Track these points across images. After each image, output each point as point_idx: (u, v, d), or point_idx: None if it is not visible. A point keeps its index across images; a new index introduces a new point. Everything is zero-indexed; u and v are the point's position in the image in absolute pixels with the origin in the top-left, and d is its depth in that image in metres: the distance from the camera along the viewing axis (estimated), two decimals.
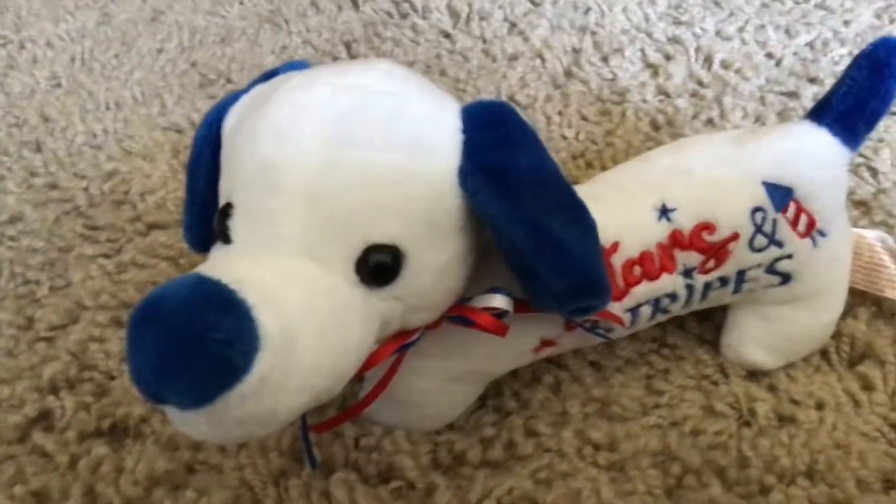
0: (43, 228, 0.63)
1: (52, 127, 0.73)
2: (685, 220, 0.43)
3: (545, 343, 0.45)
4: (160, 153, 0.70)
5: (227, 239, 0.35)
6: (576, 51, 0.80)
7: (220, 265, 0.32)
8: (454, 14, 0.87)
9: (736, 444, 0.47)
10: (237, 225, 0.34)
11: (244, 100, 0.39)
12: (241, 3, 0.90)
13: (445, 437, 0.48)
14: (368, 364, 0.37)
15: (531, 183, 0.35)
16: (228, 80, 0.79)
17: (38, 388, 0.52)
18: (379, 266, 0.34)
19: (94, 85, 0.79)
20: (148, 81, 0.79)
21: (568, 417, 0.49)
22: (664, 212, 0.44)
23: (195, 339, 0.28)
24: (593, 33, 0.82)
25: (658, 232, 0.43)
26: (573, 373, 0.51)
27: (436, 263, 0.36)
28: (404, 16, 0.87)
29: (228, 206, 0.35)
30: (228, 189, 0.36)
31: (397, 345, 0.39)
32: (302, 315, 0.31)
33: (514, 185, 0.35)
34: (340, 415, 0.44)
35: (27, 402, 0.51)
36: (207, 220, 0.39)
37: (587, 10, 0.85)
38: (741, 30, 0.81)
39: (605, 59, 0.78)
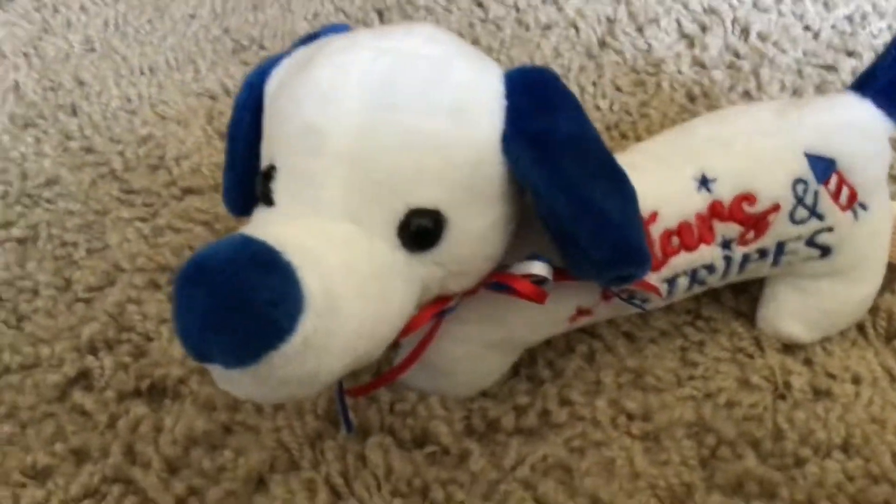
0: (79, 191, 0.64)
1: (87, 91, 0.74)
2: (725, 191, 0.43)
3: (581, 312, 0.45)
4: (194, 118, 0.70)
5: (269, 201, 0.35)
6: (610, 20, 0.79)
7: (264, 227, 0.33)
8: None
9: (771, 417, 0.47)
10: (280, 187, 0.35)
11: (286, 63, 0.39)
12: None
13: (479, 404, 0.48)
14: (407, 329, 0.37)
15: (572, 149, 0.35)
16: (261, 47, 0.79)
17: (77, 349, 0.52)
18: (420, 230, 0.34)
19: (127, 50, 0.79)
20: (181, 47, 0.79)
21: (602, 387, 0.49)
22: (704, 182, 0.43)
23: (241, 299, 0.29)
24: (628, 3, 0.81)
25: (697, 202, 0.43)
26: (607, 343, 0.51)
27: (477, 229, 0.36)
28: None
29: (271, 168, 0.35)
30: (271, 151, 0.36)
31: (435, 310, 0.39)
32: (344, 277, 0.31)
33: (555, 151, 0.35)
34: (376, 379, 0.45)
35: (66, 362, 0.51)
36: (246, 184, 0.40)
37: None
38: (778, 1, 0.80)
39: (640, 30, 0.77)
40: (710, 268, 0.45)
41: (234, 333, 0.29)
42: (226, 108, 0.71)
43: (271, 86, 0.38)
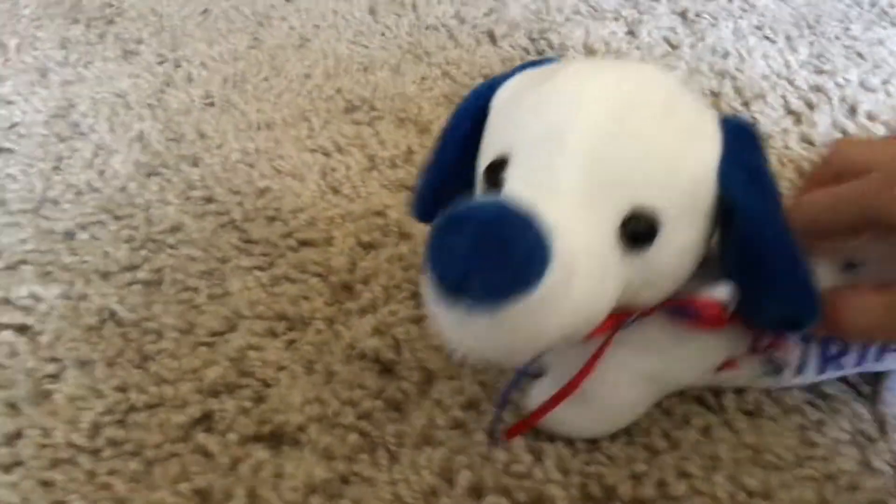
0: (201, 239, 0.66)
1: (208, 143, 0.77)
2: (868, 278, 0.43)
3: (728, 363, 0.46)
4: (309, 173, 0.73)
5: (497, 187, 0.38)
6: (715, 94, 0.80)
7: None
8: (590, 51, 0.88)
9: None
10: (513, 174, 0.38)
11: (517, 77, 0.43)
12: (382, 35, 0.93)
13: (595, 469, 0.48)
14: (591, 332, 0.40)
15: (775, 189, 0.39)
16: (372, 107, 0.81)
17: (200, 391, 0.54)
18: (637, 230, 0.37)
19: (245, 105, 0.82)
20: (296, 104, 0.82)
21: (719, 462, 0.48)
22: (849, 266, 0.44)
23: (505, 242, 0.32)
24: (733, 78, 0.82)
25: (839, 283, 0.43)
26: (724, 417, 0.51)
27: (682, 242, 0.39)
28: (540, 52, 0.89)
29: (503, 160, 0.38)
30: (503, 148, 0.39)
31: (615, 321, 0.41)
32: (580, 252, 0.34)
33: (765, 183, 0.39)
34: (545, 405, 0.46)
35: (190, 403, 0.53)
36: (441, 192, 0.44)
37: (726, 55, 0.86)
38: (885, 82, 0.80)
39: (746, 104, 0.78)
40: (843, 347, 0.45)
41: (496, 271, 0.32)
42: (338, 165, 0.74)
43: (500, 97, 0.42)
